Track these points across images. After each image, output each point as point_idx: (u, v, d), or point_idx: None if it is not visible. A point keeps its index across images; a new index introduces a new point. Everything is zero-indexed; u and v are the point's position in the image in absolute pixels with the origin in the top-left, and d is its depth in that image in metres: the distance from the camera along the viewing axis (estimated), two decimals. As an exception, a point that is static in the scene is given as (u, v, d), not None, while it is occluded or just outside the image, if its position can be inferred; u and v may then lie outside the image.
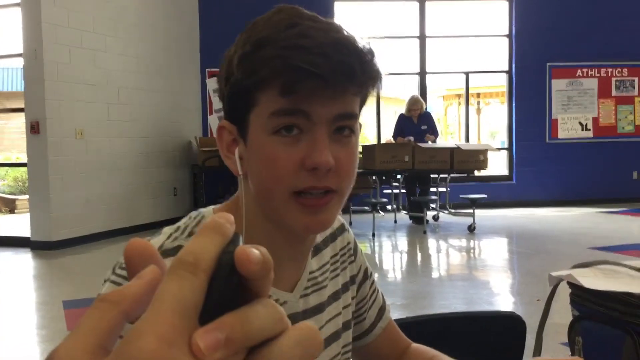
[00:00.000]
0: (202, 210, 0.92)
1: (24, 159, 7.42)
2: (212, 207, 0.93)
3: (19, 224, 9.16)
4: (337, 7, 10.25)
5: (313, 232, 0.87)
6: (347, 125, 0.82)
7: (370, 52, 0.80)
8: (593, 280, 1.18)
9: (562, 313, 1.45)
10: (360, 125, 0.86)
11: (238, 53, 0.81)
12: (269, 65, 0.77)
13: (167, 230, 0.87)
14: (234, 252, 0.31)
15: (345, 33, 0.80)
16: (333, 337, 0.97)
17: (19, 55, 7.19)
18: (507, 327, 1.49)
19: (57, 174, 7.14)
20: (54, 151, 7.09)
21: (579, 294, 1.20)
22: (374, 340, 1.12)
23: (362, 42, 0.80)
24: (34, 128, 7.01)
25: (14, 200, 12.45)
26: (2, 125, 15.31)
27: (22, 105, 7.22)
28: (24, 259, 6.88)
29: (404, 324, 1.45)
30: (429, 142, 8.28)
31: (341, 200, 0.84)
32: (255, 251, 0.31)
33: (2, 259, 7.01)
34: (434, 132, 8.62)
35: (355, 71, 0.78)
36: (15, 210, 12.13)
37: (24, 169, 7.64)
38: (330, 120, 0.79)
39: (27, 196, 8.09)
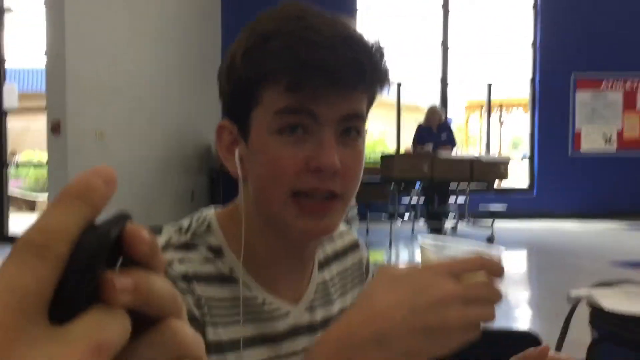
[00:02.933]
0: (205, 212, 0.88)
1: (45, 158, 7.48)
2: (214, 207, 0.89)
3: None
4: (360, 13, 10.21)
5: (312, 238, 0.83)
6: (353, 126, 0.78)
7: (380, 51, 0.77)
8: (614, 301, 1.12)
9: (581, 329, 1.39)
10: (366, 130, 0.82)
11: (242, 47, 0.77)
12: (276, 59, 0.74)
13: (169, 228, 0.84)
14: (110, 230, 0.25)
15: (354, 29, 0.77)
16: None
17: (43, 56, 7.26)
18: (523, 346, 1.43)
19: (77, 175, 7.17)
20: (74, 152, 7.13)
21: (599, 315, 1.15)
22: None
23: (371, 39, 0.77)
24: (55, 129, 7.06)
25: (34, 200, 12.58)
26: (26, 125, 15.49)
27: (44, 106, 7.28)
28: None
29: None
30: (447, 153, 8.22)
31: (345, 206, 0.80)
32: (145, 230, 0.27)
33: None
34: (451, 142, 8.55)
35: (365, 69, 0.75)
36: (36, 209, 12.26)
37: (45, 168, 7.70)
38: (337, 120, 0.76)
39: (47, 195, 8.16)
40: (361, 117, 0.79)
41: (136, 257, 0.27)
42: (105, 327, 0.24)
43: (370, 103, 0.82)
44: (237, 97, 0.79)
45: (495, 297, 0.61)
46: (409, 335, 0.57)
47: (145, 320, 0.28)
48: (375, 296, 0.60)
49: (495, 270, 0.62)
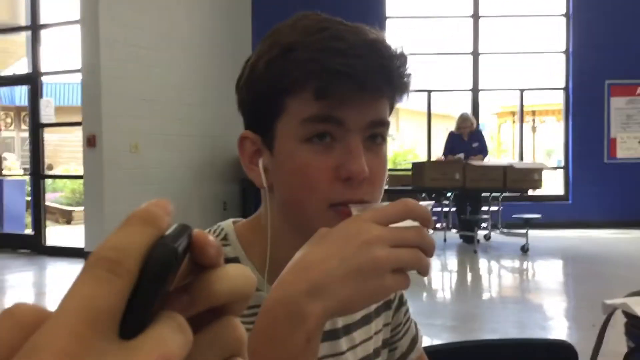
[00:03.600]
0: (222, 223, 0.89)
1: (81, 171, 7.62)
2: (232, 220, 0.90)
3: (74, 235, 9.40)
4: (389, 23, 10.22)
5: None
6: (380, 132, 0.79)
7: (403, 56, 0.77)
8: (651, 310, 1.10)
9: (619, 340, 1.37)
10: (390, 136, 0.83)
11: (264, 58, 0.78)
12: (301, 69, 0.74)
13: None
14: (177, 243, 0.26)
15: (377, 35, 0.77)
16: None
17: (78, 71, 7.41)
18: (558, 355, 1.41)
19: (112, 187, 7.29)
20: (109, 164, 7.25)
21: (635, 324, 1.13)
22: None
23: (394, 45, 0.77)
24: (90, 142, 7.20)
25: (70, 212, 12.81)
26: (62, 138, 15.82)
27: (80, 119, 7.43)
28: (78, 269, 6.98)
29: (448, 349, 1.39)
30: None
31: None
32: (210, 235, 0.28)
33: (58, 269, 7.19)
34: (483, 150, 8.47)
35: (391, 74, 0.75)
36: (72, 222, 12.48)
37: (81, 181, 7.85)
38: (364, 127, 0.77)
39: (83, 208, 8.32)
40: (386, 124, 0.80)
41: (204, 261, 0.28)
42: (170, 340, 0.25)
43: (391, 109, 0.82)
44: (261, 107, 0.80)
45: (425, 242, 0.60)
46: (341, 283, 0.57)
47: (203, 316, 0.29)
48: (306, 253, 0.60)
49: (422, 216, 0.60)
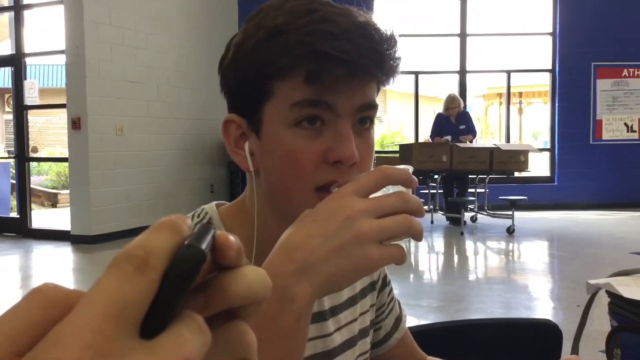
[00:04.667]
0: (205, 206, 0.89)
1: (66, 154, 7.57)
2: (215, 202, 0.90)
3: (60, 218, 9.35)
4: (377, 3, 10.17)
5: None
6: (368, 115, 0.78)
7: (394, 39, 0.76)
8: (633, 289, 1.12)
9: (603, 320, 1.39)
10: (379, 118, 0.82)
11: (250, 40, 0.76)
12: (291, 52, 0.72)
13: None
14: (202, 245, 0.26)
15: (367, 18, 0.76)
16: (348, 343, 0.92)
17: (62, 52, 7.32)
18: (543, 335, 1.43)
19: (98, 170, 7.25)
20: (95, 147, 7.20)
21: (618, 304, 1.14)
22: (389, 352, 1.06)
23: (384, 27, 0.76)
24: (75, 124, 7.14)
25: (56, 195, 12.73)
26: (47, 121, 15.67)
27: (64, 102, 7.35)
28: (64, 252, 7.01)
29: (433, 329, 1.40)
30: (467, 142, 8.17)
31: None
32: (232, 237, 0.29)
33: (43, 252, 7.16)
34: (471, 131, 8.49)
35: (383, 58, 0.74)
36: (58, 205, 12.41)
37: (66, 164, 7.79)
38: (354, 111, 0.75)
39: (68, 191, 8.27)
40: (375, 106, 0.79)
41: (223, 262, 0.29)
42: (190, 341, 0.25)
43: (378, 90, 0.81)
44: (247, 91, 0.78)
45: (410, 205, 0.58)
46: (329, 259, 0.57)
47: (215, 317, 0.29)
48: (291, 233, 0.60)
49: (402, 179, 0.60)
